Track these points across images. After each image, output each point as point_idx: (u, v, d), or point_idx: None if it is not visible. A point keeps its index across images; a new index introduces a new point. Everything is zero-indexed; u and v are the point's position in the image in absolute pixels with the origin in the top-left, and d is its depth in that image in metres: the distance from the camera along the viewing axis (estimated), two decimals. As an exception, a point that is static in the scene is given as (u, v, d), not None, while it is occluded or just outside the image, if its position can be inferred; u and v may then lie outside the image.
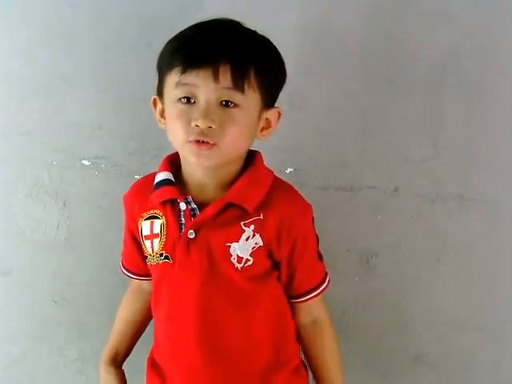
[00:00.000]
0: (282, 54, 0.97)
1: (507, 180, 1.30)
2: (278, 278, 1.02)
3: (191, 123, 0.88)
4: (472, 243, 1.32)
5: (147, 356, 1.09)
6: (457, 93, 1.26)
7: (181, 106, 0.90)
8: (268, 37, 0.96)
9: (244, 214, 0.95)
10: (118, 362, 1.12)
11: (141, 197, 1.02)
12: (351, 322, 1.33)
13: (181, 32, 0.94)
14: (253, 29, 0.94)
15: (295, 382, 1.05)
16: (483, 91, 1.26)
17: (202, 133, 0.88)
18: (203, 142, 0.88)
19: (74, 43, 1.27)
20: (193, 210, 0.96)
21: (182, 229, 0.96)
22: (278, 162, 1.25)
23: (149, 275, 1.07)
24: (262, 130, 0.97)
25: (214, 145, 0.89)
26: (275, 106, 0.98)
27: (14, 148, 1.31)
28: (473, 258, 1.33)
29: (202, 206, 0.95)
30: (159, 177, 0.99)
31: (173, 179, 0.98)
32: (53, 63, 1.27)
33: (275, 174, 1.03)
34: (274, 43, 0.96)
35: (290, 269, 1.01)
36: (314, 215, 1.06)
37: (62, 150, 1.30)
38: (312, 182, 1.29)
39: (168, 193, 0.97)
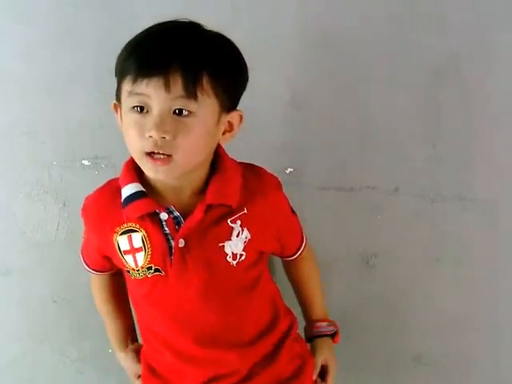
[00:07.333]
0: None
1: (506, 180, 1.30)
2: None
3: (145, 134, 0.85)
4: (471, 243, 1.32)
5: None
6: (456, 93, 1.26)
7: (135, 116, 0.87)
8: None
9: (229, 211, 0.95)
10: (129, 341, 1.14)
11: (110, 212, 0.97)
12: (351, 322, 1.33)
13: (135, 36, 0.90)
14: (214, 30, 0.90)
15: (294, 345, 1.08)
16: (482, 92, 1.26)
17: (156, 144, 0.85)
18: (158, 156, 0.86)
19: (75, 43, 1.27)
20: (175, 218, 0.94)
21: (168, 239, 0.94)
22: (278, 161, 1.25)
23: (113, 268, 1.07)
24: (224, 133, 0.93)
25: (169, 157, 0.86)
26: (237, 108, 0.94)
27: (14, 148, 1.31)
28: (472, 258, 1.33)
29: (182, 212, 0.94)
30: (128, 190, 0.95)
31: (144, 190, 0.94)
32: (53, 63, 1.27)
33: (266, 169, 1.03)
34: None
35: (280, 242, 1.04)
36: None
37: (62, 150, 1.30)
38: (312, 182, 1.29)
39: (146, 206, 0.93)
